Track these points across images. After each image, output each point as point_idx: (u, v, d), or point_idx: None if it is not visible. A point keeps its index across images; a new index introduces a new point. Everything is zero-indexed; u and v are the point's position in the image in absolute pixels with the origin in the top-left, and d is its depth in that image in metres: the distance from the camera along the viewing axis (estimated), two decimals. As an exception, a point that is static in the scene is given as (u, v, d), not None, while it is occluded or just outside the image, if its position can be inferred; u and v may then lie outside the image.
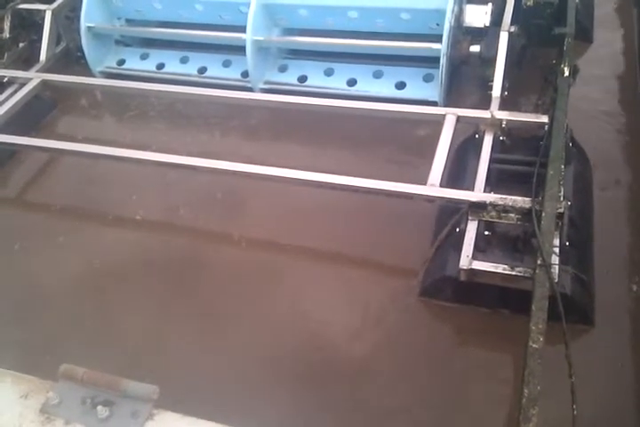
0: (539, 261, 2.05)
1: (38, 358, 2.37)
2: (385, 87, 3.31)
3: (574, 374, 1.79)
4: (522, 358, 1.81)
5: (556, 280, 2.02)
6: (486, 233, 2.33)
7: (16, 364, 1.72)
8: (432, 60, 3.14)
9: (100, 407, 1.48)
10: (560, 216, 2.20)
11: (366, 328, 2.41)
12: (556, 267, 2.07)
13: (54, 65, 3.77)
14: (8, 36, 3.85)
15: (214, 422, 1.46)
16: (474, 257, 2.22)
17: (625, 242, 2.56)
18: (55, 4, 3.76)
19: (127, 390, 1.50)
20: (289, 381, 2.29)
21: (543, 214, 2.19)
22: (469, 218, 2.35)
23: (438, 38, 3.06)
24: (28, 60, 3.83)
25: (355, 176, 2.56)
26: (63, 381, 1.55)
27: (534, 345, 1.81)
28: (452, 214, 2.47)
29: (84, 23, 3.61)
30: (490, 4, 3.36)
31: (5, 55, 3.81)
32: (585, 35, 3.62)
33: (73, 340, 2.50)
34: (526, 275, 2.14)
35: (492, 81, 2.95)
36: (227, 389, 2.27)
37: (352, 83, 3.38)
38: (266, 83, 3.48)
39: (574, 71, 2.86)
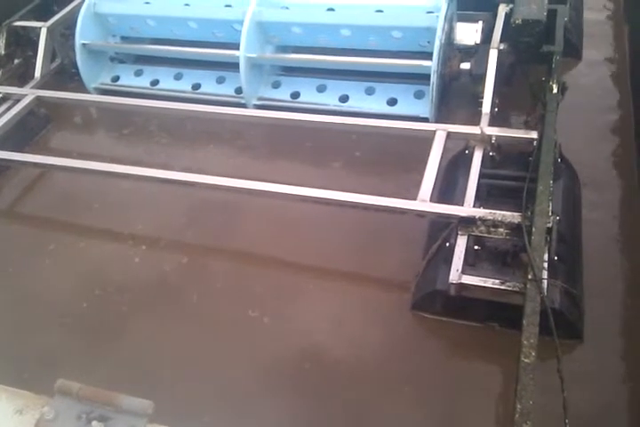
0: (529, 276, 2.07)
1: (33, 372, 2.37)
2: (377, 103, 3.35)
3: (566, 389, 1.81)
4: (513, 373, 1.83)
5: (545, 295, 2.04)
6: (476, 248, 2.34)
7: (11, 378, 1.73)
8: (423, 77, 3.18)
9: (95, 423, 1.48)
10: (549, 231, 2.22)
11: (358, 341, 2.42)
12: (545, 281, 2.09)
13: (49, 81, 3.80)
14: (3, 52, 3.90)
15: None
16: (463, 271, 2.24)
17: (613, 256, 2.58)
18: (50, 22, 3.81)
19: (122, 406, 1.51)
20: (285, 392, 2.30)
21: (533, 229, 2.21)
22: (459, 233, 2.37)
23: (429, 56, 3.11)
24: (23, 77, 3.86)
25: (346, 191, 2.59)
26: (59, 396, 1.55)
27: (526, 360, 1.82)
28: (442, 229, 2.50)
29: (78, 40, 3.65)
30: (480, 23, 3.42)
31: (0, 72, 3.84)
32: (574, 52, 3.68)
33: (68, 354, 2.50)
34: (515, 289, 2.16)
35: (482, 97, 2.99)
36: (225, 401, 2.28)
37: (344, 99, 3.42)
38: (259, 99, 3.51)
39: (563, 88, 2.91)
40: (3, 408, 1.56)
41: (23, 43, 3.93)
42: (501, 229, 2.35)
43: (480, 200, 2.49)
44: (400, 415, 2.20)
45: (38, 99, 3.50)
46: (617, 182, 2.94)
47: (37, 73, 3.76)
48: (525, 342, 1.87)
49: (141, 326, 2.59)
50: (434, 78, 3.08)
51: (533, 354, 1.84)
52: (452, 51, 3.33)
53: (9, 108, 3.43)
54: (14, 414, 1.55)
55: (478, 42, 3.38)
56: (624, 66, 3.67)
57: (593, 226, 2.66)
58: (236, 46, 3.34)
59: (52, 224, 3.15)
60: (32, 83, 3.71)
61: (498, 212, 2.36)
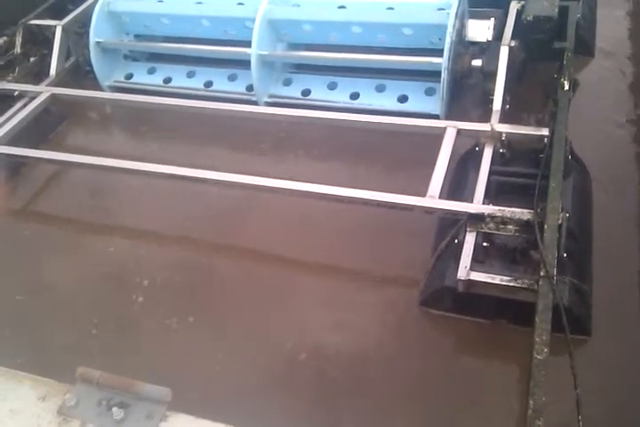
0: (542, 273, 2.07)
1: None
2: (387, 101, 3.35)
3: (579, 385, 1.81)
4: (523, 369, 1.83)
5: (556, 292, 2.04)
6: (485, 244, 2.35)
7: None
8: (434, 74, 3.17)
9: (115, 409, 1.54)
10: (559, 228, 2.22)
11: (367, 338, 2.43)
12: (554, 278, 2.09)
13: (64, 79, 3.84)
14: (19, 51, 3.94)
15: (226, 424, 1.49)
16: (472, 268, 2.24)
17: (624, 253, 2.57)
18: (65, 20, 3.85)
19: (142, 393, 1.57)
20: (288, 389, 2.32)
21: (545, 226, 2.20)
22: (468, 229, 2.37)
23: (440, 53, 3.10)
24: (38, 75, 3.89)
25: (356, 188, 2.60)
26: (80, 383, 1.62)
27: (539, 356, 1.84)
28: (452, 225, 2.50)
29: (93, 38, 3.68)
30: (492, 19, 3.41)
31: (17, 69, 3.89)
32: (587, 49, 3.66)
33: (86, 346, 2.55)
34: (524, 286, 2.16)
35: (493, 94, 2.99)
36: (235, 395, 2.30)
37: (355, 96, 3.41)
38: (270, 96, 3.52)
39: (574, 85, 2.90)
40: (27, 395, 1.64)
41: (39, 41, 3.97)
42: (510, 226, 2.35)
43: (489, 197, 2.49)
44: (408, 413, 2.21)
45: (53, 96, 3.54)
46: (630, 179, 2.91)
47: (52, 71, 3.80)
48: (538, 339, 1.88)
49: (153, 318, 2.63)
50: (444, 75, 3.08)
51: (546, 351, 1.85)
52: (464, 48, 3.32)
53: (24, 106, 3.48)
54: (37, 400, 1.62)
55: (490, 39, 3.37)
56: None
57: (604, 222, 2.65)
58: (247, 44, 3.35)
59: (69, 222, 3.19)
60: (47, 80, 3.75)
61: (507, 208, 2.36)
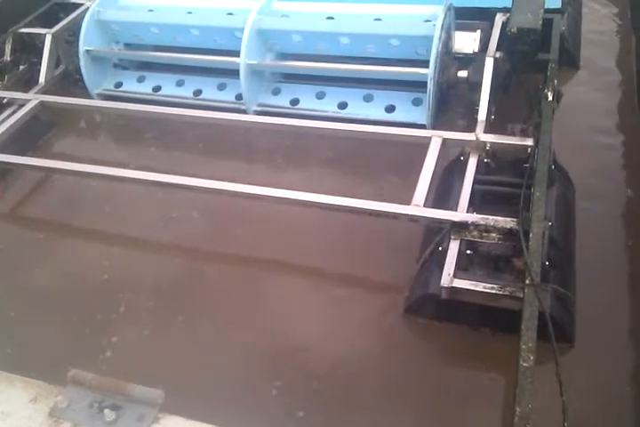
0: (527, 281, 2.09)
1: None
2: (375, 110, 3.38)
3: (565, 392, 1.82)
4: (506, 376, 1.84)
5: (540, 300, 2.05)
6: (468, 252, 2.37)
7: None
8: (421, 85, 3.21)
9: (107, 411, 1.55)
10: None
11: (351, 345, 2.43)
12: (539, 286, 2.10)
13: (53, 87, 3.86)
14: (9, 58, 3.97)
15: (216, 425, 1.50)
16: (455, 275, 2.25)
17: (607, 261, 2.60)
18: (55, 29, 3.88)
19: (133, 395, 1.58)
20: (276, 397, 2.31)
21: (530, 235, 2.23)
22: (452, 237, 2.39)
23: (427, 64, 3.14)
24: (28, 82, 3.91)
25: (342, 196, 2.62)
26: (72, 385, 1.62)
27: (525, 364, 1.85)
28: (437, 233, 2.52)
29: (82, 47, 3.70)
30: (479, 31, 3.46)
31: (6, 77, 3.92)
32: (572, 61, 3.71)
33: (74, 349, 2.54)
34: (506, 293, 2.18)
35: (479, 105, 3.02)
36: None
37: (343, 106, 3.45)
38: (259, 105, 3.55)
39: (558, 96, 2.94)
40: (18, 397, 1.64)
41: (28, 49, 3.99)
42: (494, 234, 2.37)
43: (473, 206, 2.51)
44: (390, 420, 2.21)
45: (42, 104, 3.55)
46: (613, 189, 2.95)
47: (42, 78, 3.82)
48: (524, 347, 1.89)
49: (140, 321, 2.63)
50: (430, 86, 3.12)
51: (532, 358, 1.86)
52: (450, 59, 3.36)
53: (13, 113, 3.48)
54: (29, 402, 1.62)
55: (476, 50, 3.42)
56: (629, 76, 3.67)
57: (587, 231, 2.68)
58: (236, 53, 3.38)
59: (53, 228, 3.18)
60: (36, 88, 3.77)
61: (490, 217, 2.38)
